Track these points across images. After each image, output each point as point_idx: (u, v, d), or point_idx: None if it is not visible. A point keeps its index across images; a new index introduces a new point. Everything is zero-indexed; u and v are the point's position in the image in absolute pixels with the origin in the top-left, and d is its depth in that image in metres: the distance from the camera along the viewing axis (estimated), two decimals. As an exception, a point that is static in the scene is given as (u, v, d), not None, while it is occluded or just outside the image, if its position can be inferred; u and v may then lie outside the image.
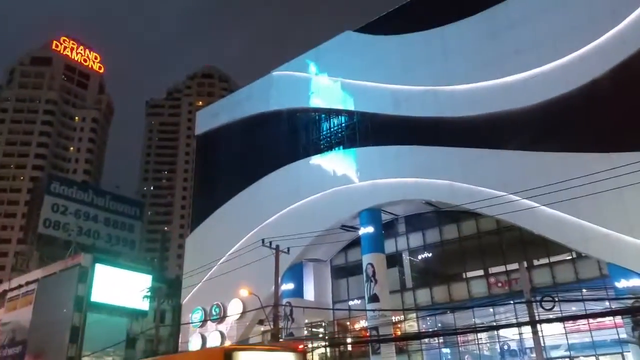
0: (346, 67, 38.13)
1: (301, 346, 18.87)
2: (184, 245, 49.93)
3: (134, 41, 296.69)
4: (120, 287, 46.66)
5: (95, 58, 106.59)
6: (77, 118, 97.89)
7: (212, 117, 49.90)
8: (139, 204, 75.80)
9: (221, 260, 39.78)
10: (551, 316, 20.14)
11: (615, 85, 24.78)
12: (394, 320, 30.57)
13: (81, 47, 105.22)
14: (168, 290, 50.03)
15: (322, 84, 39.80)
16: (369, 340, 29.67)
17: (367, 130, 35.32)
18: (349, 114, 37.04)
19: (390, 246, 33.90)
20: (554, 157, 25.74)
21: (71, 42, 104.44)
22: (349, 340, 34.09)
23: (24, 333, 45.69)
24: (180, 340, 41.72)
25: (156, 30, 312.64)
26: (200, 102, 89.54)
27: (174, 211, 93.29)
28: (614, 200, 22.54)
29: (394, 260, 33.75)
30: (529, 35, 28.86)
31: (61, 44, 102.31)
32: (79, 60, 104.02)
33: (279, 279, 27.67)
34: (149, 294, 40.86)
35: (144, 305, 46.10)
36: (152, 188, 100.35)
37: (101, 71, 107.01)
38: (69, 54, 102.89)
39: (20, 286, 50.44)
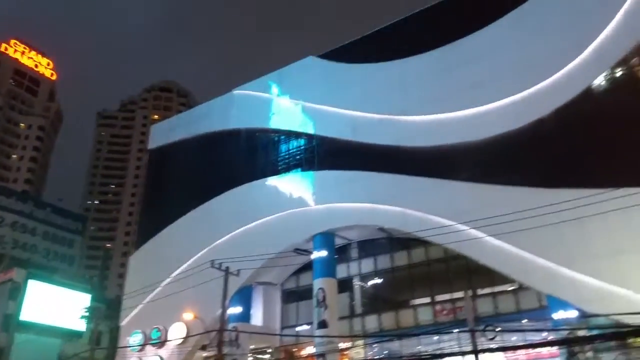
0: (308, 91, 39.77)
1: None
2: (126, 264, 49.56)
3: (92, 50, 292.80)
4: (55, 305, 45.84)
5: (48, 64, 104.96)
6: (22, 125, 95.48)
7: (167, 131, 50.42)
8: (81, 218, 74.47)
9: (166, 282, 39.82)
10: (492, 345, 21.56)
11: (560, 124, 27.12)
12: (341, 347, 31.41)
13: (33, 52, 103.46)
14: (107, 310, 49.41)
15: (283, 105, 41.24)
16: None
17: (325, 154, 36.77)
18: (308, 137, 38.45)
19: (342, 271, 35.03)
20: (501, 190, 27.69)
21: (22, 46, 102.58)
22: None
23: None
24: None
25: (117, 41, 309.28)
26: (156, 116, 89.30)
27: (119, 227, 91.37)
28: (555, 234, 24.47)
29: (345, 285, 34.83)
30: (481, 72, 31.17)
31: (11, 47, 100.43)
32: (29, 65, 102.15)
33: (227, 302, 28.06)
34: (86, 314, 40.23)
35: (80, 326, 45.23)
36: (97, 202, 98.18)
37: (53, 78, 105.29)
38: (19, 57, 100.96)
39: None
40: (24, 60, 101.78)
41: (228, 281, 27.53)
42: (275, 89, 42.34)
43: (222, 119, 45.12)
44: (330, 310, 31.78)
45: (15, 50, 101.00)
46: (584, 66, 27.43)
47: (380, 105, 34.88)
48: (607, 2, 27.97)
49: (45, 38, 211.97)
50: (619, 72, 26.75)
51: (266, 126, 41.74)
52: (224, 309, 27.23)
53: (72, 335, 46.66)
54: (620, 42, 26.75)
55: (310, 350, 33.68)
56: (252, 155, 41.79)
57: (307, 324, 34.89)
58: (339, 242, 35.02)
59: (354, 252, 36.00)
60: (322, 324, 31.44)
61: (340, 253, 35.45)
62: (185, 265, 39.55)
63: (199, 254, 38.85)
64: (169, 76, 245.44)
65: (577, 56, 27.74)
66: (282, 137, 40.37)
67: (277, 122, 41.17)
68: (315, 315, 32.05)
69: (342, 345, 31.58)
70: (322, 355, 30.43)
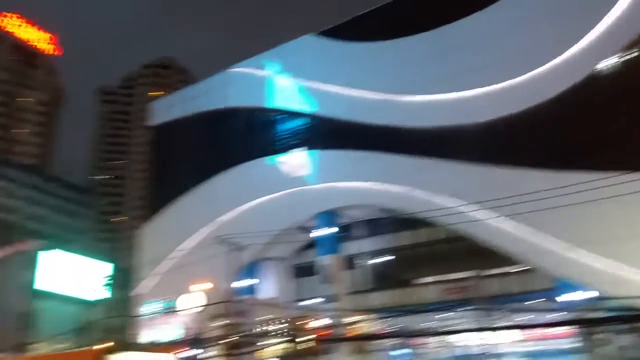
0: (308, 70, 36.75)
1: (176, 351, 17.97)
2: (136, 237, 47.34)
3: (92, 25, 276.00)
4: (72, 274, 44.49)
5: (50, 39, 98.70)
6: (27, 100, 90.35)
7: (167, 108, 47.35)
8: (90, 192, 71.65)
9: (176, 255, 38.08)
10: (502, 324, 19.88)
11: (561, 109, 24.67)
12: (348, 322, 29.64)
13: (35, 27, 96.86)
14: (123, 280, 47.66)
15: (281, 84, 38.21)
16: (327, 339, 28.64)
17: (327, 133, 34.25)
18: (308, 116, 35.75)
19: (347, 249, 32.99)
20: (507, 171, 25.51)
21: (24, 20, 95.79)
22: (303, 338, 32.98)
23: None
24: (133, 332, 39.23)
25: (118, 17, 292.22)
26: (156, 93, 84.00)
27: (127, 202, 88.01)
28: (565, 216, 22.30)
29: (349, 262, 32.93)
30: (484, 54, 28.44)
31: (12, 22, 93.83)
32: (31, 40, 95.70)
33: (236, 275, 26.93)
34: (108, 282, 38.67)
35: (97, 294, 43.80)
36: (103, 177, 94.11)
37: (55, 53, 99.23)
38: (20, 33, 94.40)
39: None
40: (26, 36, 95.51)
41: (236, 256, 26.11)
42: (273, 67, 39.09)
43: (220, 97, 42.08)
44: (337, 286, 30.00)
45: (18, 25, 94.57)
46: (590, 49, 24.93)
47: (382, 84, 32.19)
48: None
49: (46, 13, 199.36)
50: (627, 55, 24.04)
51: (265, 105, 38.89)
52: (233, 282, 25.76)
53: (89, 303, 44.89)
54: (629, 25, 23.92)
55: (317, 323, 31.95)
56: (252, 133, 39.15)
57: (314, 298, 33.09)
58: (344, 220, 32.79)
59: (360, 231, 33.75)
60: (330, 299, 29.81)
61: (345, 231, 33.22)
62: (193, 239, 37.89)
63: (207, 229, 37.16)
64: (168, 52, 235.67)
65: (582, 39, 25.08)
66: (282, 116, 37.58)
67: (275, 100, 38.25)
68: (323, 290, 30.27)
69: (348, 319, 29.82)
70: (329, 328, 28.82)
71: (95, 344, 23.07)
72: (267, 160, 36.82)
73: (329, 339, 28.54)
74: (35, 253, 43.28)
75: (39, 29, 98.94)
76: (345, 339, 28.02)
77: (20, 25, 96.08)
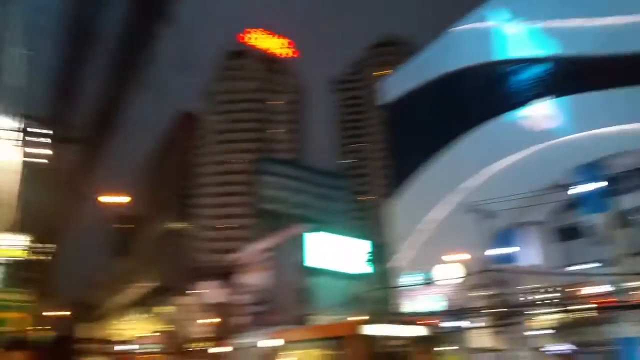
0: (538, 8, 33.44)
1: (428, 321, 17.67)
2: (385, 213, 50.46)
3: (309, 18, 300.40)
4: (336, 251, 48.89)
5: (285, 44, 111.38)
6: (277, 102, 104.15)
7: (396, 84, 48.84)
8: (342, 177, 78.41)
9: (427, 226, 39.23)
10: None
11: None
12: (632, 287, 26.21)
13: (272, 36, 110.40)
14: (381, 255, 51.37)
15: (511, 31, 35.46)
16: (609, 307, 25.93)
17: (574, 75, 30.55)
18: (549, 60, 32.42)
19: (619, 204, 28.83)
20: None
21: (264, 32, 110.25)
22: (580, 307, 30.40)
23: (268, 294, 50.72)
24: (394, 303, 42.10)
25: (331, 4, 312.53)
26: (384, 71, 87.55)
27: (372, 181, 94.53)
28: None
29: (624, 220, 28.79)
30: None
31: (255, 36, 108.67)
32: (272, 49, 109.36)
33: (490, 243, 26.28)
34: (369, 257, 42.04)
35: (362, 269, 47.80)
36: (349, 161, 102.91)
37: (292, 55, 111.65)
38: (262, 44, 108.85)
39: (256, 254, 56.02)
40: (267, 45, 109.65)
41: (487, 223, 25.59)
42: (498, 16, 36.59)
43: (446, 60, 41.41)
44: (612, 247, 26.67)
45: (259, 38, 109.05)
46: None
47: (633, 5, 27.07)
48: None
49: (276, 21, 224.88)
50: None
51: (496, 58, 36.64)
52: (488, 250, 25.30)
53: (355, 277, 49.34)
54: None
55: (593, 290, 29.07)
56: (488, 91, 37.46)
57: (586, 262, 30.13)
58: (610, 171, 28.83)
59: (634, 181, 29.21)
60: (605, 262, 26.72)
61: (615, 184, 29.14)
62: (443, 209, 38.34)
63: (454, 197, 37.28)
64: (385, 27, 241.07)
65: None
66: (518, 65, 34.88)
67: (507, 51, 35.71)
68: (594, 254, 27.37)
69: (632, 284, 26.34)
70: (609, 295, 25.95)
71: (359, 315, 25.92)
72: (509, 116, 34.87)
73: (612, 307, 25.84)
74: (303, 235, 49.46)
75: (276, 35, 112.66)
76: (635, 306, 24.86)
77: (260, 38, 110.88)
